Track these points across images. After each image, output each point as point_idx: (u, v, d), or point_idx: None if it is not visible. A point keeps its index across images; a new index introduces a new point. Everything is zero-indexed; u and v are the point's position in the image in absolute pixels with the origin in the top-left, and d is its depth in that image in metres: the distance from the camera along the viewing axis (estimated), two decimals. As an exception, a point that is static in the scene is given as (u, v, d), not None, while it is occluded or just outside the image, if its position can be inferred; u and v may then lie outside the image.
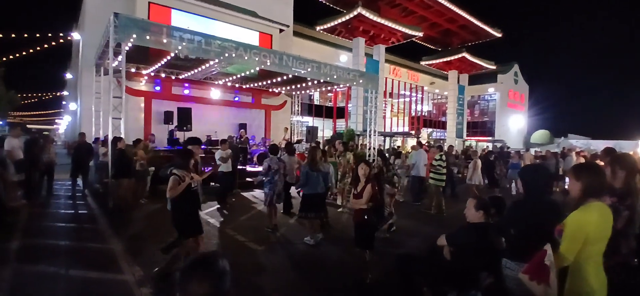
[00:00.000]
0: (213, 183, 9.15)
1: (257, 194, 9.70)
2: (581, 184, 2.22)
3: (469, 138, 33.19)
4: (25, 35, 21.27)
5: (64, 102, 42.74)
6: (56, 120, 64.23)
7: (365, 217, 4.38)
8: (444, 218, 8.12)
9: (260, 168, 8.02)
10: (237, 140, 12.99)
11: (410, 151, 12.43)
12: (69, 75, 29.95)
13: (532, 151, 19.69)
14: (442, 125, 33.69)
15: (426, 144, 18.91)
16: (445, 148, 12.03)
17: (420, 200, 9.52)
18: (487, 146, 26.15)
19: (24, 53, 23.17)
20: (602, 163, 3.59)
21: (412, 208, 9.16)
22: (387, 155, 9.72)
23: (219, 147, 8.92)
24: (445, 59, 28.85)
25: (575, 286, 2.16)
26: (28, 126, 51.85)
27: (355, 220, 4.57)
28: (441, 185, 8.84)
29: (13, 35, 20.32)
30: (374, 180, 4.53)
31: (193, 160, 4.52)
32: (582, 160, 10.90)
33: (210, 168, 5.71)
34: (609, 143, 12.70)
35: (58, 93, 44.67)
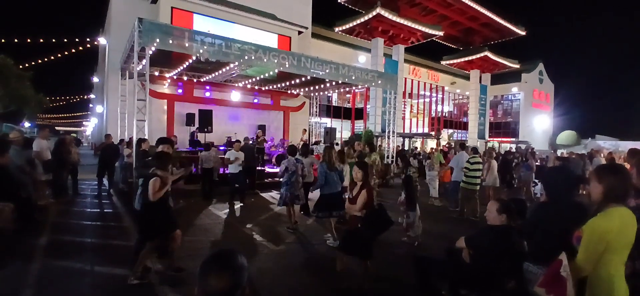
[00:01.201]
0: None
1: (275, 195, 9.77)
2: (603, 187, 2.03)
3: (491, 139, 32.44)
4: (54, 40, 22.23)
5: (90, 105, 44.37)
6: (83, 122, 66.64)
7: (359, 225, 4.12)
8: (472, 221, 7.86)
9: (278, 170, 8.07)
10: (254, 140, 13.13)
11: (433, 152, 12.16)
12: (95, 79, 31.05)
13: (559, 153, 19.09)
14: (464, 126, 33.05)
15: (446, 145, 18.62)
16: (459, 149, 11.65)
17: (459, 206, 8.62)
18: (511, 147, 25.49)
19: (52, 57, 24.22)
20: (628, 165, 3.44)
21: (446, 213, 8.72)
22: (407, 156, 9.45)
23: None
24: (466, 58, 28.30)
25: None
26: (56, 128, 53.97)
27: (349, 227, 4.35)
28: (475, 188, 8.18)
29: (42, 40, 21.25)
30: (370, 185, 4.29)
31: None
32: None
33: (182, 168, 5.54)
34: (638, 145, 12.14)
35: (85, 96, 46.49)
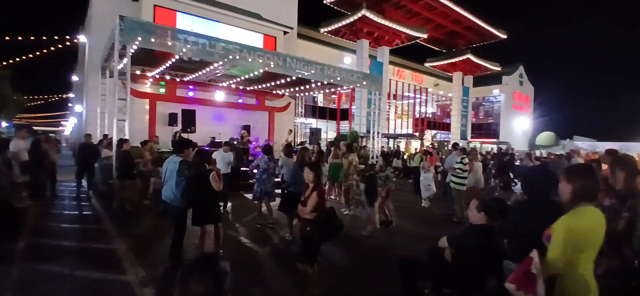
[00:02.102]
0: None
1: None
2: (573, 187, 2.08)
3: (473, 139, 33.04)
4: (32, 38, 21.53)
5: (69, 104, 43.09)
6: (62, 122, 64.75)
7: (308, 229, 3.85)
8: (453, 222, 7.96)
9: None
10: (238, 141, 13.02)
11: (414, 152, 12.34)
12: (75, 78, 30.19)
13: (537, 153, 19.57)
14: (447, 127, 33.58)
15: (430, 146, 18.88)
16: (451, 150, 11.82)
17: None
18: (492, 148, 26.01)
19: (30, 56, 23.48)
20: (605, 165, 3.56)
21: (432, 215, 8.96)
22: (387, 155, 9.35)
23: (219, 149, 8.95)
24: (449, 61, 28.78)
25: None
26: (34, 128, 52.31)
27: (300, 232, 4.11)
28: (461, 188, 8.21)
29: (20, 38, 20.57)
30: (321, 187, 4.01)
31: None
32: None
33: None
34: (615, 145, 12.58)
35: (64, 96, 45.10)
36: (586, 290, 2.01)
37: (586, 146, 24.68)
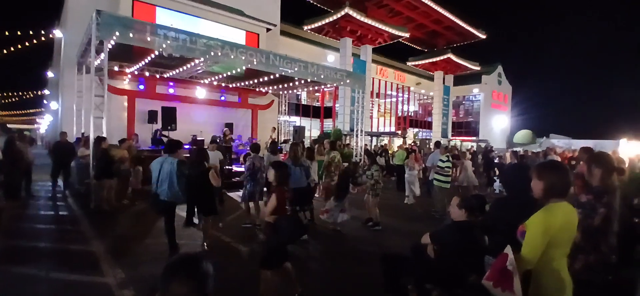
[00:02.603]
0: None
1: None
2: (544, 183, 2.11)
3: (453, 138, 33.65)
4: (6, 33, 20.68)
5: (45, 101, 41.66)
6: (37, 120, 62.56)
7: (265, 234, 3.79)
8: (435, 218, 8.07)
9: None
10: (221, 139, 12.86)
11: (396, 150, 12.49)
12: (50, 74, 29.18)
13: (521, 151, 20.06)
14: (428, 125, 34.10)
15: (413, 144, 19.11)
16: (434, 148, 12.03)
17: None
18: (472, 146, 26.55)
19: (4, 51, 22.49)
20: (581, 162, 3.67)
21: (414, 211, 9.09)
22: (373, 154, 9.43)
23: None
24: (431, 60, 29.20)
25: (539, 291, 2.04)
26: (8, 125, 50.34)
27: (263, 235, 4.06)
28: (446, 187, 8.38)
29: (-7, 33, 19.72)
30: (280, 189, 3.74)
31: None
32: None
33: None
34: (590, 143, 13.04)
35: (39, 92, 43.50)
36: (561, 285, 2.05)
37: (562, 144, 25.52)
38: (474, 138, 35.10)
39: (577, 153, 7.44)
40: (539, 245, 1.99)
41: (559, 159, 12.13)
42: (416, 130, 33.86)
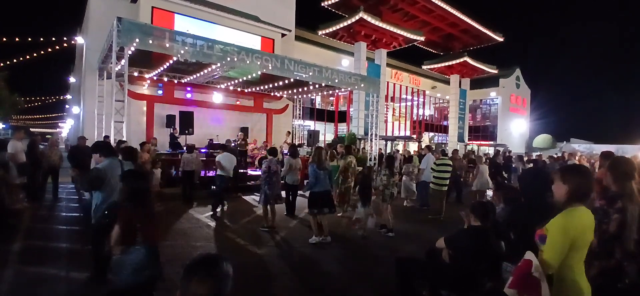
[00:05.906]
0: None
1: (257, 197, 9.69)
2: (568, 187, 2.06)
3: (470, 142, 33.13)
4: (30, 39, 21.42)
5: (67, 106, 43.00)
6: (59, 124, 64.55)
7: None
8: (446, 222, 8.03)
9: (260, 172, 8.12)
10: (235, 143, 13.00)
11: (412, 154, 12.40)
12: (72, 79, 30.13)
13: (534, 155, 19.63)
14: (444, 130, 33.63)
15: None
16: (450, 153, 11.89)
17: (427, 205, 9.34)
18: (488, 151, 26.08)
19: (28, 57, 23.31)
20: (601, 168, 3.58)
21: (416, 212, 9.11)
22: (394, 161, 9.40)
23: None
24: (446, 63, 28.82)
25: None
26: (31, 129, 52.12)
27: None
28: (442, 189, 8.57)
29: (17, 39, 20.48)
30: (125, 210, 2.77)
31: None
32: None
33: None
34: (612, 148, 12.68)
35: (61, 97, 44.96)
36: (580, 290, 2.01)
37: (583, 148, 24.84)
38: (492, 142, 34.49)
39: (599, 159, 7.24)
40: (561, 248, 1.96)
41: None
42: (432, 134, 33.46)
